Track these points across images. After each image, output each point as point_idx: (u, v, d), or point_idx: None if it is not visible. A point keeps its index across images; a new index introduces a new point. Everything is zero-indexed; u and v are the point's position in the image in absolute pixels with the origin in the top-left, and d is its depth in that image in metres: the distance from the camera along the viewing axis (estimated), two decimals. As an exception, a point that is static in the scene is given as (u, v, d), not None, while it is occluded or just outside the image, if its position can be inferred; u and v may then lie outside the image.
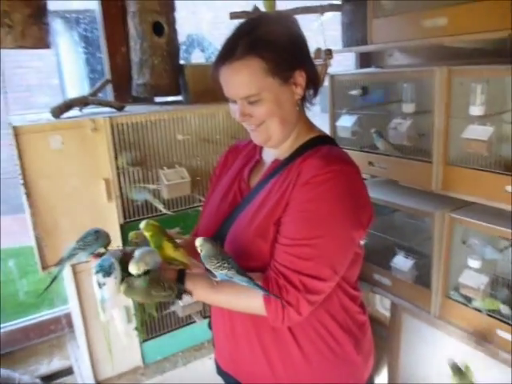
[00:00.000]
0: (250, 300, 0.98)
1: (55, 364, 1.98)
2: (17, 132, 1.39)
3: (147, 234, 1.04)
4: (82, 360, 1.82)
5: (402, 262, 1.68)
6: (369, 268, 1.84)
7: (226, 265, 0.93)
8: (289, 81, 0.99)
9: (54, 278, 1.15)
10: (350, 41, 2.05)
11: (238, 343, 1.12)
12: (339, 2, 2.01)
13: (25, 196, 1.43)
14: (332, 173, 0.96)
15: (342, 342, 1.09)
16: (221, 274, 0.94)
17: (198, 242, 0.96)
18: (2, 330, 2.01)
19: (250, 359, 1.11)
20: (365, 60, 2.40)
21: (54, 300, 1.65)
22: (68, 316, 1.93)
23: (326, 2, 1.94)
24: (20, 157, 1.41)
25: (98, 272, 0.97)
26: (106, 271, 0.96)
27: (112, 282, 0.96)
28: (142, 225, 1.04)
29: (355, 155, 1.71)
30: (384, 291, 1.82)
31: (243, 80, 0.96)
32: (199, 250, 0.96)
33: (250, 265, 0.99)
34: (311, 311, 0.97)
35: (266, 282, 0.96)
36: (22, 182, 1.41)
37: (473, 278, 1.46)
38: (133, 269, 0.95)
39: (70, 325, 1.94)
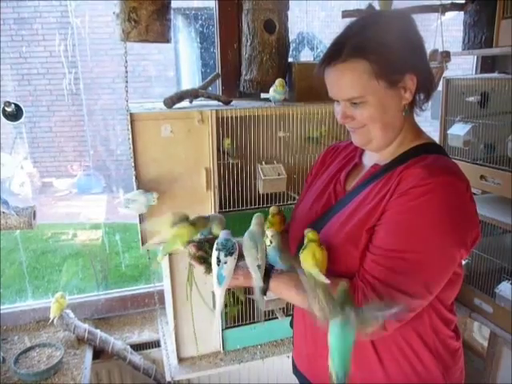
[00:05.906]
0: None
1: (145, 335, 2.13)
2: (133, 118, 1.51)
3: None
4: (168, 336, 1.94)
5: (508, 290, 1.53)
6: (469, 291, 1.70)
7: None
8: (397, 85, 0.94)
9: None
10: (471, 43, 1.89)
11: (317, 347, 1.10)
12: (462, 1, 1.86)
13: (134, 178, 1.55)
14: (434, 184, 0.89)
15: (429, 365, 1.01)
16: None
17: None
18: (104, 297, 2.21)
19: (326, 365, 1.09)
20: (487, 64, 2.22)
21: (151, 276, 1.78)
22: (161, 293, 2.06)
23: (448, 1, 1.81)
24: (133, 141, 1.53)
25: (220, 250, 1.01)
26: (229, 251, 1.00)
27: (232, 261, 1.00)
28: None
29: (466, 167, 1.58)
30: (484, 318, 1.67)
31: (347, 82, 0.93)
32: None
33: (336, 269, 0.97)
34: (397, 328, 0.92)
35: (353, 291, 0.93)
36: (133, 164, 1.54)
37: None
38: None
39: (162, 301, 2.07)
